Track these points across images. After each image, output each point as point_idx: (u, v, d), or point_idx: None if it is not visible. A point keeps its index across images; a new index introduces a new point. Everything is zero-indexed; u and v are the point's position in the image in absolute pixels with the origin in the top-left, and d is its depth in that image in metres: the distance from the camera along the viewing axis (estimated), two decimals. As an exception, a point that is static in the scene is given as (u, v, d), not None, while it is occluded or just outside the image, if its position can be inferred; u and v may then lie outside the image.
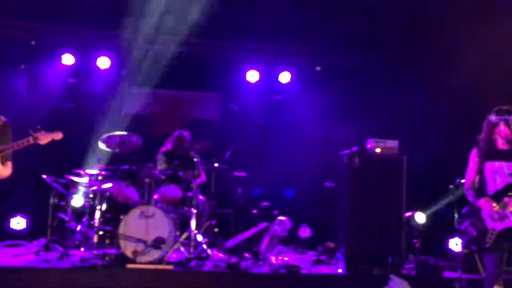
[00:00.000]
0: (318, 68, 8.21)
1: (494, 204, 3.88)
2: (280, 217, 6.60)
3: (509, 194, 3.87)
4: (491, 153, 4.02)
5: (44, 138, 3.83)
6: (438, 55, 7.03)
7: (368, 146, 6.01)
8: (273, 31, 7.54)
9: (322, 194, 7.11)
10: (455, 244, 6.42)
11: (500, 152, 4.01)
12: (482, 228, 3.93)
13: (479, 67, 6.18)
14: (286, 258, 6.18)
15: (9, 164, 3.94)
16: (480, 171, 4.05)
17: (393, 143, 6.00)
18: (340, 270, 5.74)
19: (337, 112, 7.55)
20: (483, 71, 6.14)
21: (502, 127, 3.98)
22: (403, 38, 7.46)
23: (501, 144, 4.02)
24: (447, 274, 5.64)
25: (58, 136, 3.88)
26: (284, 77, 8.22)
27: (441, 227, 6.54)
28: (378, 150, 5.94)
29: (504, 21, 6.16)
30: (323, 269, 5.85)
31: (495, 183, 3.97)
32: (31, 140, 3.80)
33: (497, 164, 3.98)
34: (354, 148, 5.93)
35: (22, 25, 7.36)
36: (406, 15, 7.03)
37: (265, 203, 6.83)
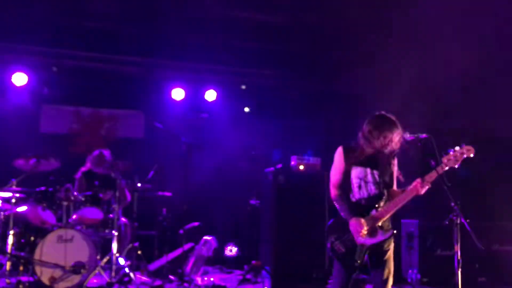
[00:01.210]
0: (243, 87, 8.29)
1: (365, 227, 3.58)
2: (206, 237, 6.55)
3: (377, 206, 3.66)
4: (359, 157, 3.77)
5: None
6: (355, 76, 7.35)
7: (292, 163, 6.14)
8: (198, 49, 7.54)
9: (247, 212, 7.13)
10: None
11: (369, 158, 3.78)
12: (350, 244, 3.63)
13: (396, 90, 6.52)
14: (212, 279, 6.12)
15: None
16: (346, 175, 3.77)
17: (315, 160, 6.18)
18: (266, 288, 5.77)
19: (262, 130, 7.65)
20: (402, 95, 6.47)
21: (374, 135, 3.72)
22: (322, 59, 7.72)
23: (370, 149, 3.77)
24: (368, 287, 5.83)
25: None
26: (210, 95, 8.22)
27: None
28: (301, 167, 6.08)
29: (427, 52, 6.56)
30: (248, 288, 5.86)
31: (360, 191, 3.74)
32: None
33: (364, 170, 3.76)
34: (279, 166, 6.03)
35: None
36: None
37: (192, 224, 6.73)
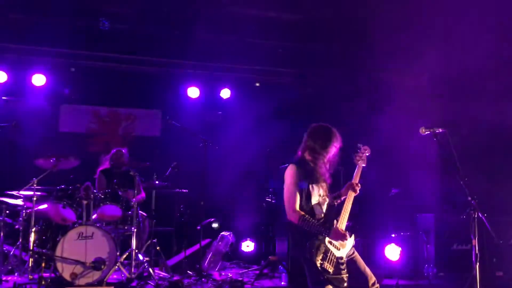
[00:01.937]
0: (257, 84, 8.35)
1: (346, 233, 3.64)
2: (223, 233, 6.63)
3: (337, 218, 3.70)
4: (314, 174, 3.76)
5: None
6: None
7: (293, 161, 6.16)
8: (213, 48, 7.61)
9: (264, 208, 7.18)
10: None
11: (318, 172, 3.79)
12: (335, 261, 3.60)
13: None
14: (229, 274, 6.19)
15: None
16: (305, 194, 3.70)
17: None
18: (283, 283, 5.82)
19: (277, 126, 7.69)
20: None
21: (317, 147, 3.78)
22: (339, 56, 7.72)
23: (321, 165, 3.81)
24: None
25: None
26: (225, 93, 8.30)
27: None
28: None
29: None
30: (266, 283, 5.92)
31: (321, 207, 3.74)
32: None
33: (319, 185, 3.77)
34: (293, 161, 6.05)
35: None
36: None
37: (208, 220, 6.81)
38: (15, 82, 7.62)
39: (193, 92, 8.23)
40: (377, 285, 3.80)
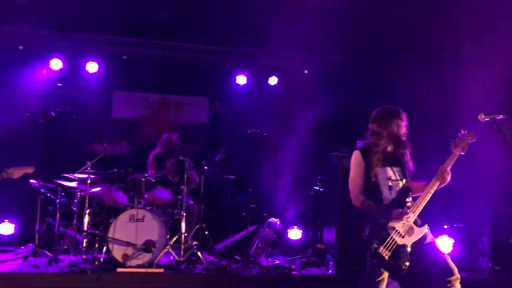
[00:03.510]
0: (305, 71, 8.27)
1: (410, 214, 3.56)
2: (270, 220, 6.63)
3: (407, 204, 3.62)
4: (379, 158, 3.71)
5: (17, 174, 3.81)
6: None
7: (358, 147, 6.06)
8: (261, 35, 7.57)
9: (311, 195, 7.12)
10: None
11: (387, 155, 3.74)
12: (394, 247, 3.54)
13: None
14: (276, 261, 6.19)
15: None
16: (370, 178, 3.68)
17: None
18: (330, 271, 5.77)
19: (326, 113, 7.59)
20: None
21: (385, 129, 3.73)
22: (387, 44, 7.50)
23: (389, 147, 3.76)
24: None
25: (31, 170, 3.80)
26: (272, 80, 8.27)
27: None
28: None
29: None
30: (314, 271, 5.88)
31: (390, 191, 3.68)
32: (4, 175, 3.79)
33: (388, 169, 3.70)
34: (343, 149, 5.97)
35: (7, 29, 7.29)
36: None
37: (254, 206, 6.82)
38: (69, 70, 7.86)
39: (241, 79, 8.26)
40: (457, 276, 3.61)
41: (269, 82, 8.31)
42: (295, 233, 7.27)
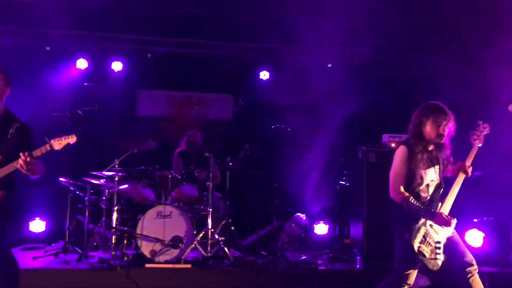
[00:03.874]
0: (329, 65, 8.21)
1: (452, 220, 3.59)
2: (296, 215, 6.62)
3: (442, 200, 3.67)
4: (424, 156, 3.70)
5: (60, 144, 3.79)
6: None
7: (384, 141, 6.01)
8: (283, 30, 7.54)
9: (338, 190, 7.09)
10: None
11: (430, 153, 3.73)
12: (432, 243, 3.61)
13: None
14: (303, 256, 6.18)
15: (41, 163, 3.93)
16: (413, 175, 3.68)
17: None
18: (357, 266, 5.74)
19: (351, 107, 7.51)
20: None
21: (428, 127, 3.70)
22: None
23: (428, 144, 3.74)
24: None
25: (73, 139, 3.83)
26: (295, 75, 8.21)
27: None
28: (393, 145, 5.93)
29: None
30: (340, 266, 5.85)
31: (428, 189, 3.71)
32: (48, 147, 3.76)
33: (430, 168, 3.70)
34: (369, 143, 5.92)
35: (35, 31, 7.43)
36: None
37: (280, 201, 6.82)
38: (95, 69, 7.99)
39: (264, 74, 8.26)
40: (475, 267, 3.67)
41: (292, 77, 8.26)
42: (321, 228, 7.24)
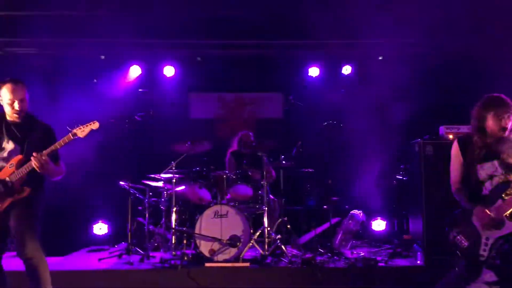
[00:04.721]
0: (380, 58, 8.06)
1: (491, 214, 3.42)
2: (353, 211, 6.55)
3: (503, 195, 3.44)
4: (479, 150, 3.59)
5: (82, 132, 3.81)
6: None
7: (441, 133, 5.84)
8: (331, 25, 7.47)
9: (394, 185, 6.95)
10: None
11: (488, 147, 3.59)
12: (474, 237, 3.49)
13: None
14: (361, 253, 6.10)
15: (61, 164, 3.98)
16: (468, 170, 3.62)
17: (467, 129, 5.78)
18: (418, 262, 5.61)
19: (404, 99, 7.35)
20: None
21: (490, 121, 3.57)
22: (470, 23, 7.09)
23: (486, 137, 3.61)
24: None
25: (95, 125, 3.88)
26: (346, 70, 8.15)
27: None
28: (451, 136, 5.75)
29: None
30: (401, 262, 5.74)
31: (485, 183, 3.56)
32: (71, 136, 3.79)
33: (488, 163, 3.56)
34: (426, 136, 5.77)
35: (92, 41, 7.72)
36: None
37: (336, 198, 6.77)
38: (148, 75, 8.21)
39: (314, 71, 8.22)
40: None
41: (342, 71, 8.19)
42: (379, 224, 7.12)
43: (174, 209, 6.00)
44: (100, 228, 7.29)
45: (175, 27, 7.41)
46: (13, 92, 3.77)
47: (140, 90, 7.77)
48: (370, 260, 5.53)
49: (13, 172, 3.75)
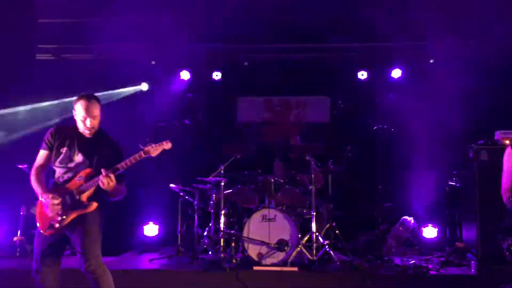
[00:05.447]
0: (431, 61, 7.87)
1: None
2: (403, 218, 6.43)
3: None
4: None
5: (155, 151, 3.78)
6: None
7: (496, 138, 5.65)
8: (380, 27, 7.36)
9: (447, 191, 6.76)
10: None
11: None
12: None
13: None
14: (411, 260, 5.97)
15: (123, 184, 3.90)
16: None
17: (524, 133, 5.59)
18: (472, 271, 5.44)
19: (457, 103, 7.14)
20: None
21: None
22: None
23: None
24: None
25: (168, 146, 3.84)
26: (396, 73, 8.00)
27: None
28: (507, 142, 5.55)
29: None
30: (453, 270, 5.57)
31: None
32: (142, 155, 3.75)
33: None
34: (481, 141, 5.59)
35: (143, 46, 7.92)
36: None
37: (386, 204, 6.65)
38: (196, 79, 8.34)
39: (362, 75, 8.11)
40: None
41: (392, 75, 8.05)
42: (430, 231, 6.94)
43: (223, 212, 6.07)
44: (151, 229, 7.45)
45: (224, 32, 7.51)
46: (87, 109, 3.78)
47: (189, 95, 7.91)
48: (421, 268, 5.41)
49: (81, 185, 3.76)
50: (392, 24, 7.21)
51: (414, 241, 6.62)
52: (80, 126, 3.84)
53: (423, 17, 7.11)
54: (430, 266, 5.60)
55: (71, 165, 3.81)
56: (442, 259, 5.87)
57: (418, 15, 6.83)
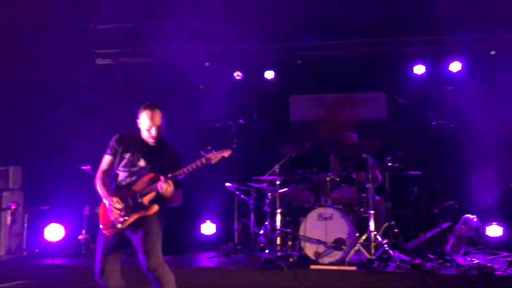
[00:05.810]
0: (492, 52, 7.53)
1: None
2: (466, 216, 6.20)
3: None
4: None
5: (215, 158, 3.82)
6: None
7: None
8: (438, 20, 7.12)
9: (511, 188, 6.45)
10: None
11: None
12: None
13: None
14: (475, 260, 5.74)
15: (180, 192, 3.95)
16: None
17: None
18: (543, 272, 5.17)
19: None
20: None
21: None
22: None
23: None
24: None
25: (228, 153, 3.89)
26: (455, 66, 7.71)
27: None
28: None
29: None
30: (522, 271, 5.32)
31: None
32: (204, 161, 3.80)
33: None
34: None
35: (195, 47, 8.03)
36: None
37: (447, 202, 6.41)
38: (247, 79, 8.32)
39: (419, 69, 7.88)
40: None
41: (450, 68, 7.76)
42: (495, 230, 6.65)
43: (279, 211, 6.08)
44: (208, 228, 7.57)
45: (277, 31, 7.51)
46: (152, 119, 3.88)
47: (242, 94, 7.94)
48: (486, 268, 5.20)
49: (144, 188, 3.86)
50: (449, 16, 6.97)
51: (478, 240, 6.37)
52: (145, 134, 3.95)
53: (484, 8, 6.81)
54: (495, 266, 5.37)
55: (134, 169, 3.92)
56: (509, 259, 5.62)
57: (480, 5, 6.54)
